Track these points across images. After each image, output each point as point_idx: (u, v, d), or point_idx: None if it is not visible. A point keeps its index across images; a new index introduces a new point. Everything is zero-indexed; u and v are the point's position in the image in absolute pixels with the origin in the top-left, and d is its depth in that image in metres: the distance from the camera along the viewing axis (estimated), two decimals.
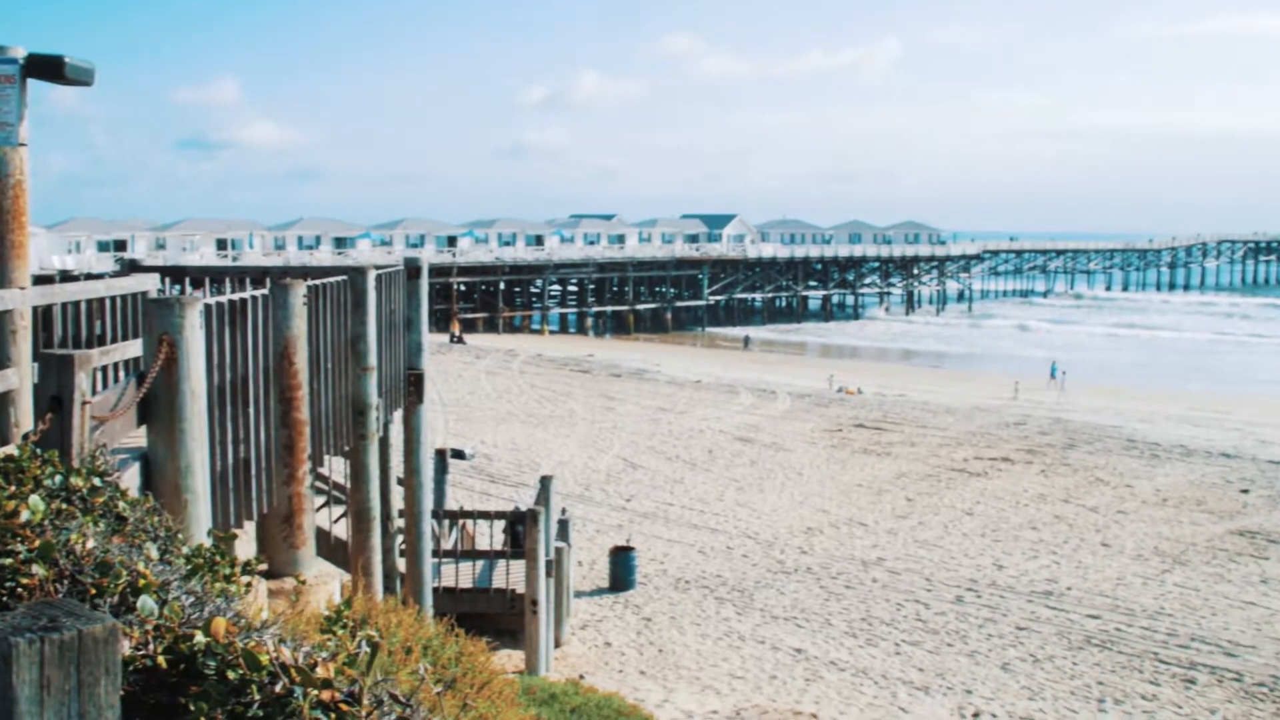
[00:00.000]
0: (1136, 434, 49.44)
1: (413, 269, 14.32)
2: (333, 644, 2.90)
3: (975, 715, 19.98)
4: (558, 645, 22.03)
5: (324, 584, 9.82)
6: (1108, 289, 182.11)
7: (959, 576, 28.39)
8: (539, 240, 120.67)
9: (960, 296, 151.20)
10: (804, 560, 29.45)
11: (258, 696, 2.45)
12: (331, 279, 10.87)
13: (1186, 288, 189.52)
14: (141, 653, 2.54)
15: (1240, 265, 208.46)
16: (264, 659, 2.48)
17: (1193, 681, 21.83)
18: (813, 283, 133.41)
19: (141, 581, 2.88)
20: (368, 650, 2.76)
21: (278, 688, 2.45)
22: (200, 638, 2.53)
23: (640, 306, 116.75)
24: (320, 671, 2.49)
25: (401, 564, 15.13)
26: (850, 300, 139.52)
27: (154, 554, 3.51)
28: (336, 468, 16.63)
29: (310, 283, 9.83)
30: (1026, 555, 30.47)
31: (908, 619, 25.02)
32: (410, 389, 14.33)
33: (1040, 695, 20.93)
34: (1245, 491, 38.80)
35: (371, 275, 11.77)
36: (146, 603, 2.73)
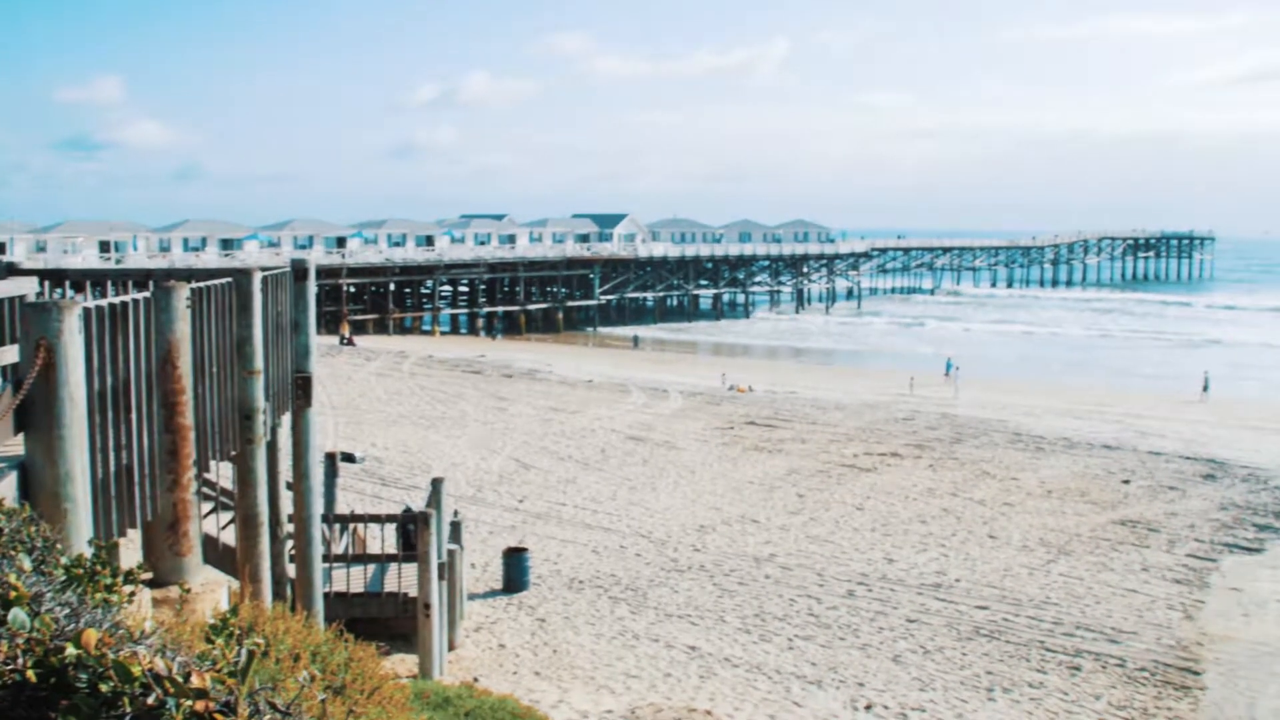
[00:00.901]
0: (1022, 428, 50.38)
1: (300, 271, 14.14)
2: (216, 653, 2.85)
3: (868, 707, 20.20)
4: (451, 648, 21.90)
5: (211, 592, 9.66)
6: (993, 286, 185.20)
7: (850, 571, 28.69)
8: (429, 241, 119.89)
9: (849, 294, 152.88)
10: (697, 558, 29.58)
11: (129, 709, 2.40)
12: (216, 281, 10.70)
13: (1069, 284, 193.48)
14: (10, 667, 2.48)
15: (1120, 261, 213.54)
16: (136, 670, 2.42)
17: (1078, 668, 22.28)
18: (704, 282, 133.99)
19: (13, 594, 2.81)
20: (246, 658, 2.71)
21: (150, 699, 2.40)
22: (71, 650, 2.47)
23: (532, 307, 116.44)
24: (195, 681, 2.44)
25: (291, 570, 14.94)
26: (741, 299, 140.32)
27: (27, 565, 3.43)
28: (224, 473, 16.37)
29: (194, 285, 9.67)
30: (916, 548, 30.88)
31: (800, 614, 25.23)
32: (298, 392, 14.16)
33: (931, 686, 21.22)
34: (1126, 482, 39.70)
35: (258, 277, 11.60)
36: (18, 615, 2.66)
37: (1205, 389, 69.59)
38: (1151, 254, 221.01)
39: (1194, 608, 26.36)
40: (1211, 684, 21.75)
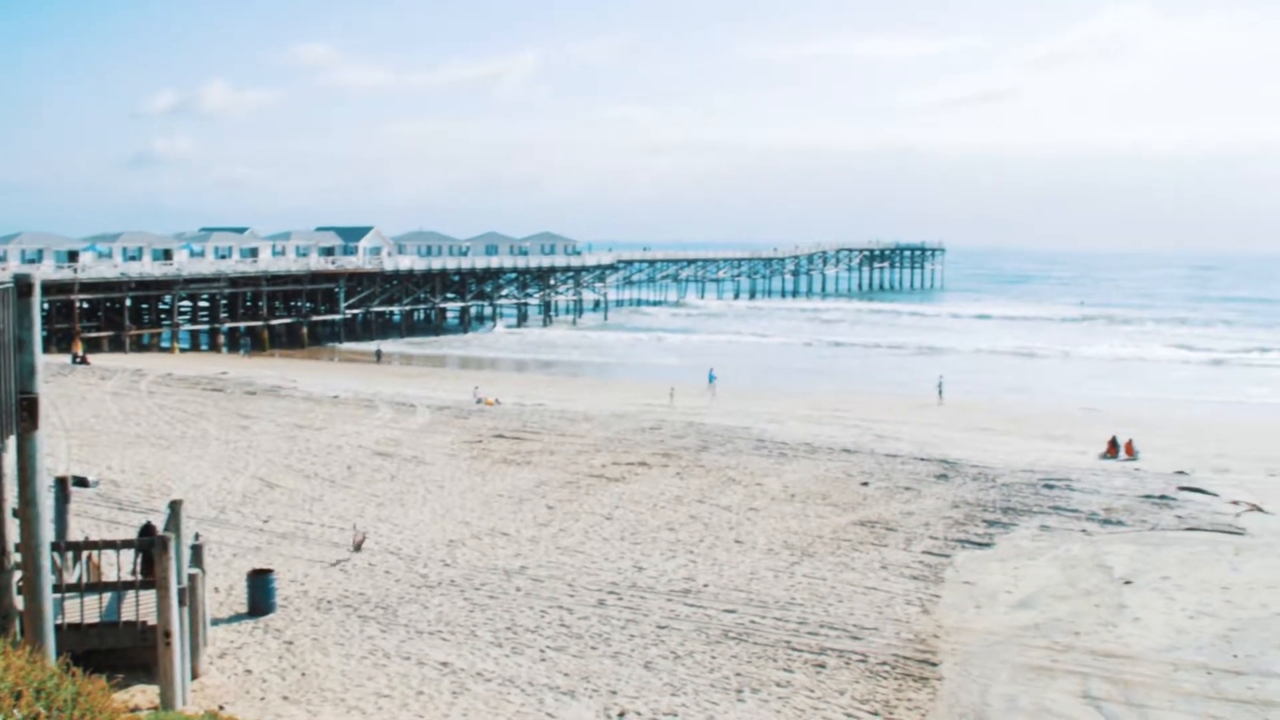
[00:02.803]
0: (765, 434, 51.64)
1: (24, 286, 13.55)
2: None
3: (621, 715, 20.37)
4: (195, 676, 21.21)
5: None
6: (736, 297, 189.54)
7: (601, 580, 28.90)
8: (167, 255, 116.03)
9: (596, 306, 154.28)
10: (447, 573, 29.37)
11: None
12: None
13: (809, 294, 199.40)
14: None
15: (857, 272, 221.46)
16: None
17: (823, 666, 22.92)
18: (451, 295, 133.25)
19: None
20: None
21: None
22: None
23: (275, 322, 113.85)
24: None
25: (20, 602, 14.27)
26: (489, 311, 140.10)
27: None
28: None
29: None
30: (665, 555, 31.29)
31: (552, 625, 25.29)
32: (23, 414, 13.55)
33: (682, 690, 21.52)
34: (865, 484, 41.09)
35: None
36: None
37: (939, 393, 72.57)
38: (887, 265, 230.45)
39: (930, 602, 27.42)
40: (948, 674, 22.67)
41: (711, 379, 73.62)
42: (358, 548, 31.58)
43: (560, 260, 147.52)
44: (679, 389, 68.85)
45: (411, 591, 27.77)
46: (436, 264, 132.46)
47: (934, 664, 23.21)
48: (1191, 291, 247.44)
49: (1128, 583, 29.22)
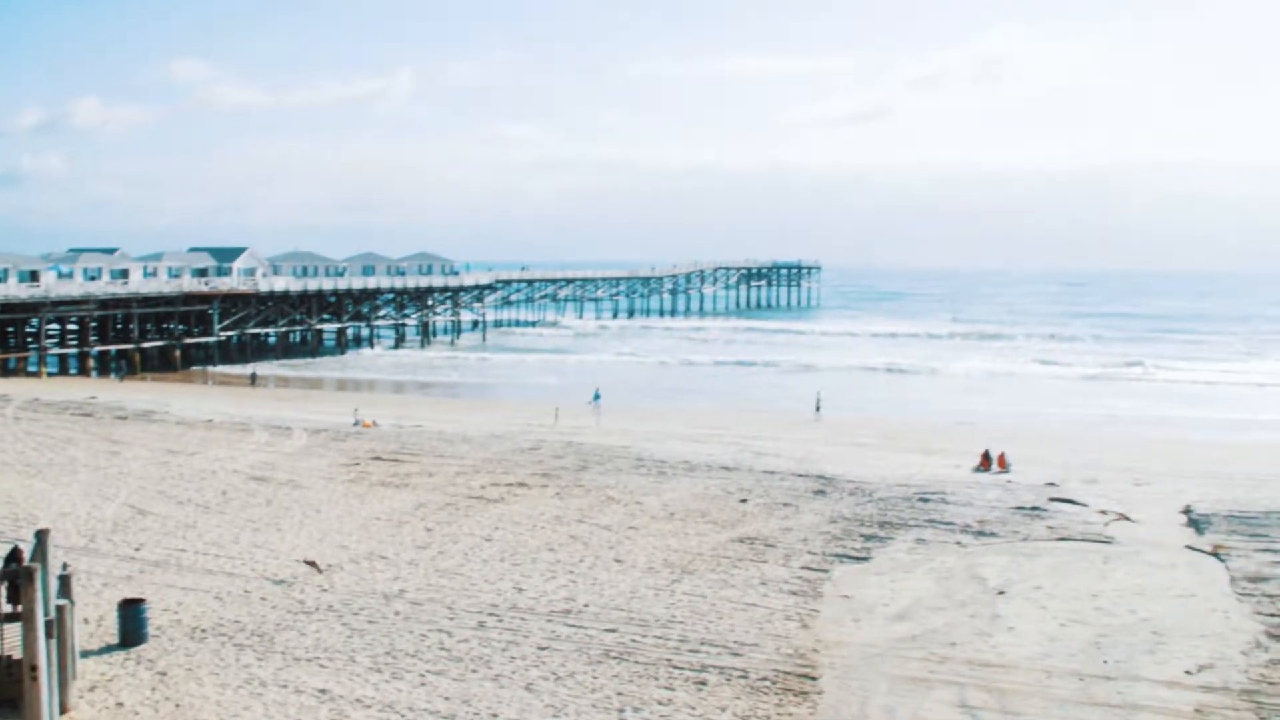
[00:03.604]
0: (645, 453, 51.78)
1: None
2: None
3: None
4: (64, 711, 20.68)
5: None
6: (614, 316, 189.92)
7: (480, 602, 28.72)
8: (34, 276, 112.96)
9: (475, 326, 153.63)
10: (325, 598, 28.98)
11: None
12: None
13: (687, 313, 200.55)
14: None
15: (735, 290, 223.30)
16: None
17: (704, 683, 22.99)
18: (327, 316, 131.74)
19: None
20: None
21: None
22: None
23: (147, 345, 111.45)
24: None
25: None
26: (366, 333, 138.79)
27: None
28: None
29: None
30: (545, 576, 31.19)
31: (432, 649, 25.07)
32: None
33: (564, 711, 21.45)
34: (744, 501, 41.36)
35: None
36: None
37: (817, 409, 73.40)
38: (764, 283, 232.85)
39: (809, 617, 27.67)
40: (828, 687, 22.87)
41: (596, 398, 73.69)
42: (314, 566, 31.41)
43: (438, 281, 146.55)
44: (563, 409, 68.78)
45: (288, 618, 27.36)
46: (313, 285, 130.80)
47: (813, 678, 23.41)
48: (1062, 308, 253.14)
49: (1001, 593, 29.75)
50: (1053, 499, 42.41)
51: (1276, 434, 69.28)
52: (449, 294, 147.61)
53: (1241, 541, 35.55)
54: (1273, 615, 27.97)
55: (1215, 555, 33.93)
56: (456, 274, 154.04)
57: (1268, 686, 22.92)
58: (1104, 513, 40.06)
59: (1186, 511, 40.41)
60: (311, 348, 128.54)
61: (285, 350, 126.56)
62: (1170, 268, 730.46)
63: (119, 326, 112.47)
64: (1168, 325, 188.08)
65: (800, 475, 46.52)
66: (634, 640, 25.74)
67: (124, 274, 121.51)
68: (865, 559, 33.30)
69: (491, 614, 27.78)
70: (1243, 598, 29.52)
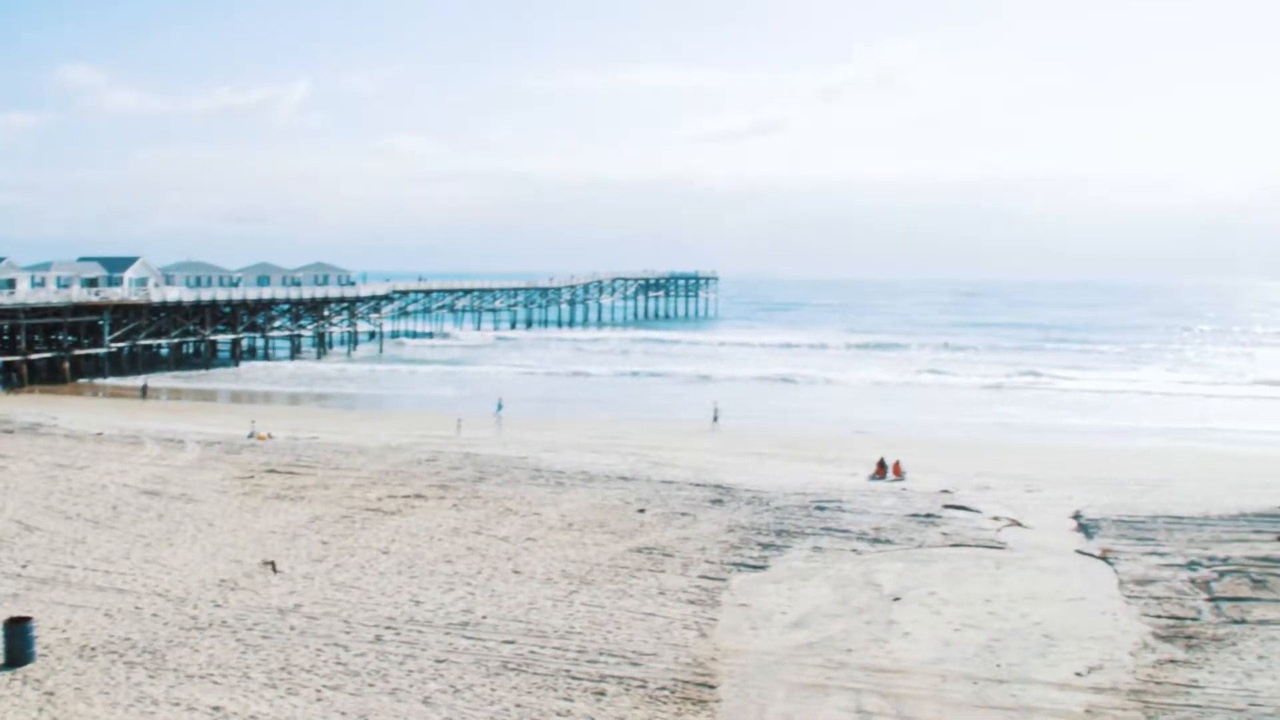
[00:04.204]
0: (542, 464, 51.69)
1: None
2: None
3: None
4: None
5: None
6: (512, 327, 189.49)
7: (378, 616, 28.48)
8: None
9: (371, 337, 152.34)
10: (219, 614, 28.57)
11: None
12: None
13: (585, 323, 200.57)
14: None
15: (633, 301, 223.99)
16: None
17: (603, 693, 23.01)
18: (221, 327, 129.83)
19: None
20: None
21: None
22: None
23: (35, 356, 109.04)
24: None
25: None
26: (261, 344, 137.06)
27: None
28: None
29: None
30: (443, 588, 31.01)
31: (328, 663, 24.82)
32: None
33: None
34: (642, 511, 41.44)
35: None
36: None
37: (715, 419, 73.76)
38: (662, 293, 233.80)
39: (708, 625, 27.80)
40: (726, 695, 23.01)
41: (499, 409, 73.52)
42: (272, 566, 31.77)
43: (334, 291, 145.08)
44: (466, 420, 68.47)
45: (181, 634, 26.93)
46: (206, 295, 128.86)
47: (712, 686, 23.53)
48: (955, 318, 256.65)
49: (897, 599, 30.11)
50: (947, 506, 43.00)
51: (1162, 440, 70.85)
52: (345, 304, 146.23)
53: (1129, 545, 36.30)
54: (1159, 617, 28.60)
55: (1104, 559, 34.62)
56: (353, 284, 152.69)
57: (1155, 686, 23.43)
58: (996, 519, 40.70)
59: (1076, 517, 41.19)
60: (205, 359, 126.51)
61: (178, 362, 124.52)
62: (1060, 278, 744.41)
63: (5, 338, 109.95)
64: (1058, 335, 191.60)
65: (698, 485, 46.72)
66: (532, 652, 25.67)
67: (10, 284, 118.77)
68: (763, 567, 33.52)
69: (389, 627, 27.57)
70: (1130, 600, 30.14)
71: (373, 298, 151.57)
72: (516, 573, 32.74)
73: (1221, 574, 32.49)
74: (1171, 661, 25.10)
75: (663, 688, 23.36)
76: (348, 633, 27.15)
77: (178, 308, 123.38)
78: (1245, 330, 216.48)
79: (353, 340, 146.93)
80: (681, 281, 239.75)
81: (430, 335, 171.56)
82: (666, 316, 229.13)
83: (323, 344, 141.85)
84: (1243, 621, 28.17)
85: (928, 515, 41.16)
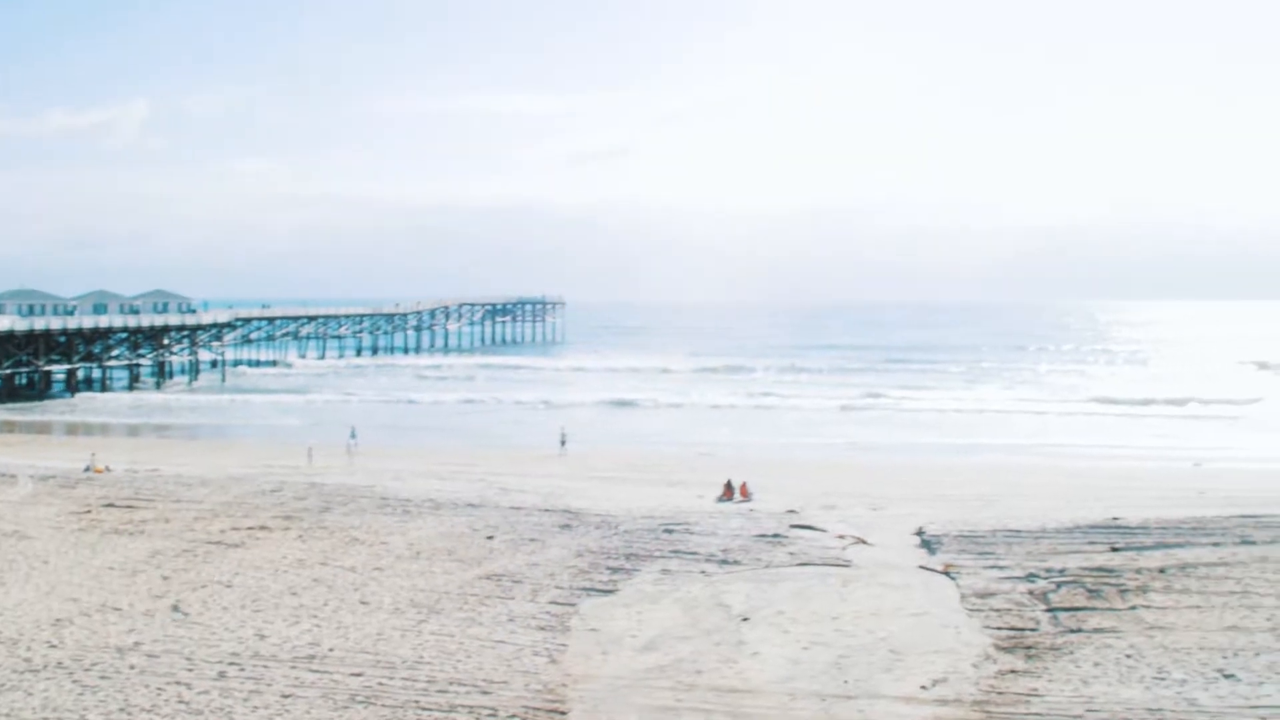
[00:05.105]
0: (389, 492, 51.15)
1: None
2: None
3: None
4: None
5: None
6: (358, 354, 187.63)
7: (221, 652, 27.89)
8: None
9: (214, 365, 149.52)
10: (54, 655, 27.71)
11: None
12: None
13: (432, 349, 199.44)
14: None
15: (480, 326, 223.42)
16: None
17: None
18: (56, 357, 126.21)
19: None
20: None
21: None
22: None
23: None
24: None
25: None
26: (99, 374, 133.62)
27: None
28: None
29: None
30: (288, 621, 30.49)
31: (169, 702, 24.22)
32: None
33: None
34: (490, 538, 41.21)
35: None
36: None
37: (562, 444, 73.82)
38: (508, 319, 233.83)
39: (558, 651, 27.73)
40: None
41: (353, 437, 72.81)
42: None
43: (175, 319, 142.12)
44: (316, 448, 67.54)
45: (13, 678, 26.06)
46: (40, 324, 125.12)
47: (563, 713, 23.47)
48: (801, 340, 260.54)
49: (746, 619, 30.36)
50: (793, 526, 43.53)
51: (1000, 456, 72.77)
52: (186, 333, 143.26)
53: (971, 560, 37.10)
54: (1000, 629, 29.26)
55: (947, 574, 35.33)
56: (194, 312, 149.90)
57: (997, 697, 23.97)
58: (842, 537, 41.31)
59: (919, 533, 42.00)
60: (39, 390, 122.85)
61: (10, 393, 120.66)
62: (904, 299, 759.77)
63: None
64: (901, 355, 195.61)
65: (546, 510, 46.65)
66: (381, 684, 25.36)
67: None
68: (612, 591, 33.56)
69: (233, 663, 27.01)
70: (972, 613, 30.80)
71: (215, 325, 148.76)
72: (364, 603, 32.33)
73: (1058, 585, 33.36)
74: (1012, 672, 25.70)
75: (513, 715, 23.24)
76: (190, 670, 26.53)
77: (9, 337, 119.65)
78: (1076, 348, 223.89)
79: (194, 369, 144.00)
80: (529, 307, 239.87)
81: (274, 363, 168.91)
82: (514, 342, 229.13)
83: (163, 373, 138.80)
84: (1079, 630, 28.95)
85: (775, 535, 41.61)
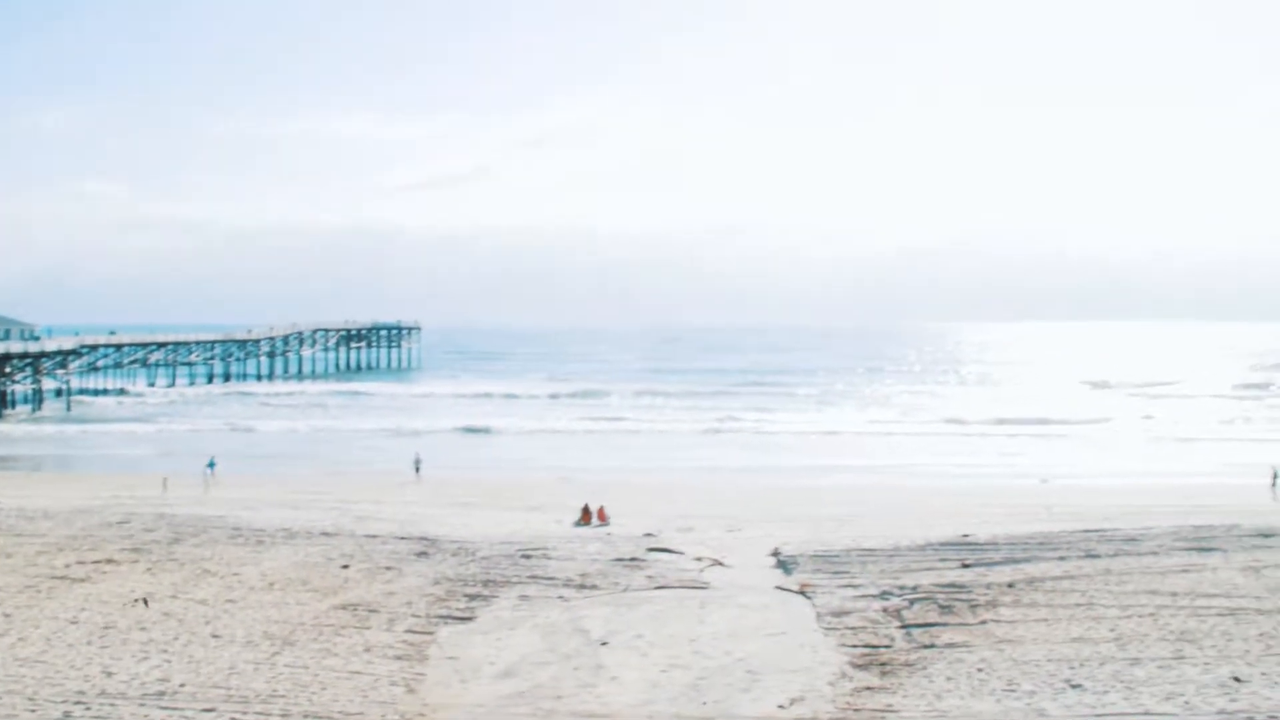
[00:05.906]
0: (241, 522, 50.23)
1: None
2: None
3: None
4: None
5: None
6: (209, 381, 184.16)
7: (66, 690, 27.09)
8: None
9: (59, 394, 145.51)
10: None
11: None
12: None
13: (285, 376, 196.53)
14: None
15: (334, 352, 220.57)
16: None
17: None
18: None
19: None
20: None
21: None
22: None
23: None
24: None
25: None
26: None
27: None
28: None
29: None
30: (137, 657, 29.75)
31: None
32: None
33: None
34: (346, 567, 40.69)
35: None
36: None
37: (417, 471, 73.34)
38: (364, 344, 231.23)
39: (415, 681, 27.47)
40: None
41: (211, 466, 71.48)
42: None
43: (16, 346, 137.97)
44: (171, 478, 66.09)
45: None
46: None
47: None
48: (657, 364, 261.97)
49: (604, 644, 30.40)
50: (651, 549, 43.74)
51: (854, 477, 74.00)
52: (29, 360, 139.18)
53: (826, 579, 37.63)
54: (855, 646, 29.72)
55: (802, 593, 35.79)
56: (37, 339, 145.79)
57: (853, 714, 24.31)
58: (699, 559, 41.62)
59: (775, 554, 42.49)
60: None
61: None
62: (757, 322, 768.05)
63: None
64: (754, 378, 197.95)
65: (402, 538, 46.21)
66: (234, 719, 24.88)
67: None
68: (470, 619, 33.37)
69: (78, 702, 26.26)
70: (828, 632, 31.24)
71: (59, 353, 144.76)
72: (216, 636, 31.68)
73: (912, 602, 34.00)
74: (868, 689, 26.10)
75: None
76: (33, 710, 25.73)
77: None
78: (925, 369, 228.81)
79: (38, 399, 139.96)
80: (384, 332, 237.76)
81: (122, 392, 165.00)
82: (369, 367, 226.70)
83: (3, 403, 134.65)
84: (932, 646, 29.53)
85: (632, 559, 41.76)
